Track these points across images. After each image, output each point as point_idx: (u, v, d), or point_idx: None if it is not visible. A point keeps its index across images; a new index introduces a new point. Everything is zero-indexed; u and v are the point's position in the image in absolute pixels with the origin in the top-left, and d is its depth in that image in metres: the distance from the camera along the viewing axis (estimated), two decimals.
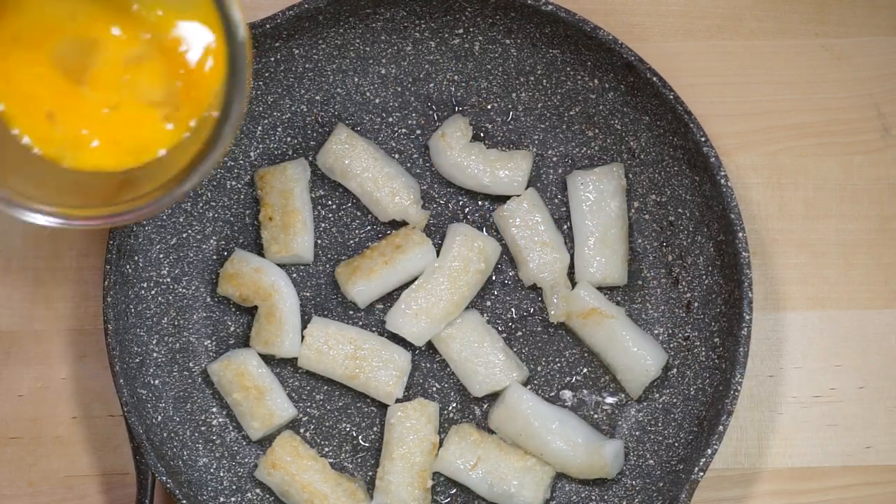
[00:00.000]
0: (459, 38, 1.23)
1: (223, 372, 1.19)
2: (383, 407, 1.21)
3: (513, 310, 1.23)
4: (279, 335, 1.19)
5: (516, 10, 1.18)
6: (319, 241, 1.23)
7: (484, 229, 1.23)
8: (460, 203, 1.24)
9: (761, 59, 1.27)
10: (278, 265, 1.21)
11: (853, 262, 1.25)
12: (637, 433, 1.21)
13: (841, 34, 1.27)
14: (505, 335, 1.22)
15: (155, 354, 1.20)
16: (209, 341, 1.22)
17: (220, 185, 1.23)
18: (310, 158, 1.24)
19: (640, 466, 1.20)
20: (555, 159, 1.24)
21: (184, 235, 1.22)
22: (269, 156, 1.24)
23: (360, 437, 1.22)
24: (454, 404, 1.22)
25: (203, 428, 1.21)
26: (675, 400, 1.20)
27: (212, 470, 1.20)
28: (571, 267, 1.22)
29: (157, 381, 1.19)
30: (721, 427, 1.13)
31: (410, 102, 1.25)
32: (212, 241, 1.23)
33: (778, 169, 1.26)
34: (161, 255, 1.21)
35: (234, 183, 1.23)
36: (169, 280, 1.21)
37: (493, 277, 1.23)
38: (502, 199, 1.22)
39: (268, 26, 1.16)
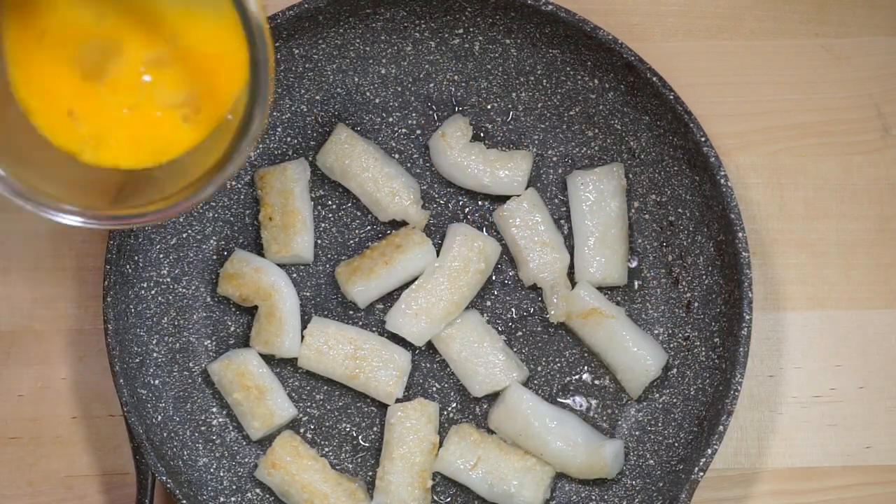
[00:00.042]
0: (459, 38, 1.23)
1: (223, 372, 1.19)
2: (383, 407, 1.21)
3: (513, 310, 1.23)
4: (279, 335, 1.19)
5: (516, 10, 1.18)
6: (319, 241, 1.23)
7: (484, 229, 1.23)
8: (460, 203, 1.24)
9: (761, 59, 1.27)
10: (278, 265, 1.21)
11: (853, 262, 1.25)
12: (637, 433, 1.21)
13: (841, 34, 1.27)
14: (505, 335, 1.22)
15: (155, 354, 1.20)
16: (209, 341, 1.22)
17: None
18: (310, 158, 1.24)
19: (640, 466, 1.20)
20: (555, 159, 1.24)
21: (184, 235, 1.22)
22: (269, 156, 1.24)
23: (360, 437, 1.22)
24: (454, 404, 1.22)
25: (203, 428, 1.21)
26: (675, 400, 1.20)
27: (212, 470, 1.20)
28: (571, 267, 1.22)
29: (157, 381, 1.19)
30: (721, 427, 1.13)
31: (410, 102, 1.25)
32: (212, 241, 1.23)
33: (778, 169, 1.26)
34: (161, 255, 1.21)
35: (234, 183, 1.23)
36: (169, 280, 1.21)
37: (493, 277, 1.23)
38: (502, 199, 1.22)
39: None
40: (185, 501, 1.14)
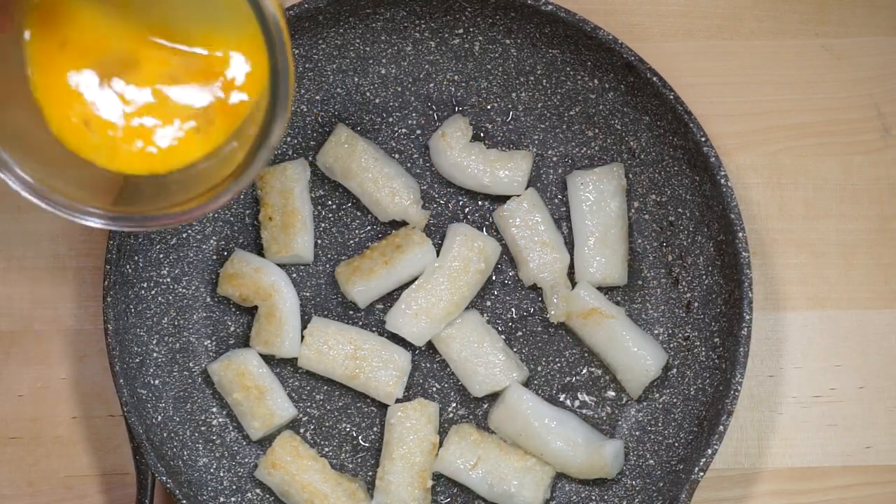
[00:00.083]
0: (459, 38, 1.23)
1: (223, 372, 1.19)
2: (383, 407, 1.21)
3: (513, 310, 1.23)
4: (279, 335, 1.19)
5: (516, 10, 1.18)
6: (319, 241, 1.23)
7: (484, 229, 1.23)
8: (460, 203, 1.24)
9: (761, 59, 1.27)
10: (278, 265, 1.21)
11: (853, 262, 1.25)
12: (637, 433, 1.21)
13: (841, 34, 1.27)
14: (505, 335, 1.22)
15: (155, 354, 1.20)
16: (209, 341, 1.22)
17: None
18: (310, 158, 1.24)
19: (640, 466, 1.20)
20: (555, 159, 1.24)
21: (184, 235, 1.22)
22: None
23: (360, 437, 1.22)
24: (454, 404, 1.22)
25: (203, 428, 1.21)
26: (675, 400, 1.20)
27: (212, 470, 1.20)
28: (571, 267, 1.22)
29: (157, 381, 1.19)
30: (721, 427, 1.13)
31: (410, 102, 1.25)
32: (212, 241, 1.23)
33: (778, 169, 1.26)
34: (161, 255, 1.21)
35: None
36: (169, 280, 1.21)
37: (493, 277, 1.23)
38: (502, 199, 1.22)
39: None
40: (185, 501, 1.14)
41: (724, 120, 1.26)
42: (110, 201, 0.94)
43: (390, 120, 1.24)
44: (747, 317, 1.14)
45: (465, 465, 1.18)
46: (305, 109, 1.24)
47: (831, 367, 1.24)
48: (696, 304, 1.20)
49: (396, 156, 1.24)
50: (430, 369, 1.22)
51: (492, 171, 1.21)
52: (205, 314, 1.23)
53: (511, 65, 1.23)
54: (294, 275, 1.23)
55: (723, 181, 1.15)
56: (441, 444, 1.19)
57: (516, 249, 1.22)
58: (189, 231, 1.22)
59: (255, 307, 1.21)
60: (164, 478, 1.14)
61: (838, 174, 1.26)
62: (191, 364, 1.22)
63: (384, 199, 1.21)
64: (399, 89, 1.25)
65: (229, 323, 1.23)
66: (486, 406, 1.22)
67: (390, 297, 1.22)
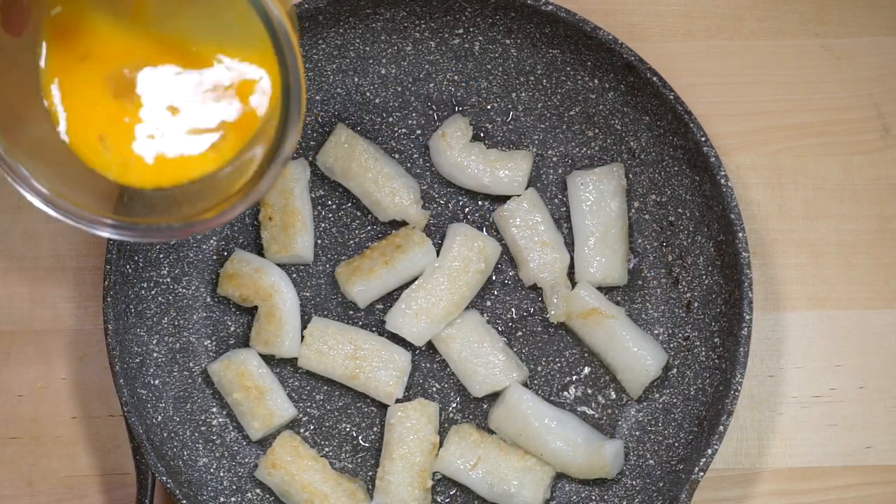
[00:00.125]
0: (459, 38, 1.23)
1: (223, 372, 1.19)
2: (383, 407, 1.21)
3: (513, 310, 1.23)
4: (279, 335, 1.19)
5: (516, 10, 1.18)
6: (319, 241, 1.23)
7: (484, 229, 1.23)
8: (460, 203, 1.24)
9: (761, 59, 1.27)
10: (278, 265, 1.21)
11: (853, 262, 1.25)
12: (637, 433, 1.21)
13: (841, 34, 1.27)
14: (505, 335, 1.22)
15: (155, 354, 1.20)
16: (209, 341, 1.22)
17: None
18: (310, 158, 1.24)
19: (640, 466, 1.20)
20: (555, 159, 1.24)
21: None
22: None
23: (360, 437, 1.22)
24: (454, 404, 1.22)
25: (203, 428, 1.21)
26: (675, 400, 1.20)
27: (212, 470, 1.20)
28: (571, 267, 1.22)
29: (157, 381, 1.19)
30: (721, 427, 1.13)
31: (410, 102, 1.25)
32: (212, 241, 1.23)
33: (778, 169, 1.26)
34: (161, 255, 1.21)
35: None
36: (169, 280, 1.21)
37: (493, 277, 1.23)
38: (502, 199, 1.22)
39: None
40: (185, 501, 1.14)
41: (724, 120, 1.26)
42: (111, 206, 0.94)
43: (390, 120, 1.24)
44: (747, 317, 1.14)
45: (465, 465, 1.18)
46: (305, 109, 1.24)
47: (831, 367, 1.24)
48: (696, 304, 1.20)
49: (396, 156, 1.24)
50: (430, 369, 1.22)
51: (492, 171, 1.21)
52: (205, 314, 1.23)
53: (511, 65, 1.23)
54: (294, 275, 1.23)
55: (723, 181, 1.15)
56: (441, 444, 1.19)
57: (516, 249, 1.22)
58: None
59: (255, 307, 1.21)
60: (164, 478, 1.14)
61: (838, 174, 1.26)
62: (191, 364, 1.22)
63: (384, 199, 1.21)
64: (399, 89, 1.25)
65: (229, 323, 1.23)
66: (486, 406, 1.22)
67: (390, 297, 1.22)
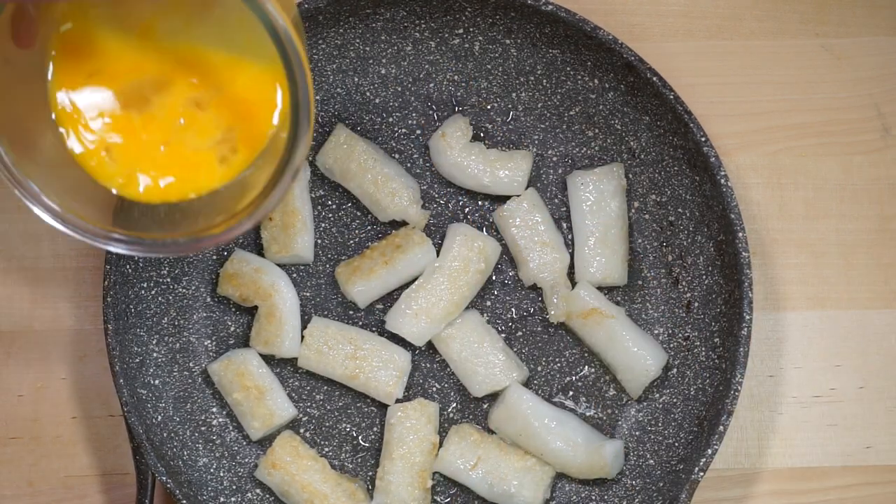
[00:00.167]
0: (459, 38, 1.23)
1: (223, 372, 1.19)
2: (383, 407, 1.21)
3: (513, 310, 1.23)
4: (279, 335, 1.19)
5: (516, 10, 1.18)
6: (319, 241, 1.23)
7: (484, 229, 1.23)
8: (460, 203, 1.24)
9: (761, 59, 1.27)
10: (278, 265, 1.21)
11: (853, 262, 1.25)
12: (637, 433, 1.21)
13: (841, 34, 1.27)
14: (505, 335, 1.22)
15: (155, 354, 1.20)
16: (209, 341, 1.22)
17: None
18: (310, 158, 1.24)
19: (640, 466, 1.20)
20: (555, 159, 1.24)
21: None
22: None
23: (360, 437, 1.22)
24: (454, 404, 1.22)
25: (203, 428, 1.21)
26: (675, 400, 1.20)
27: (212, 470, 1.20)
28: (571, 267, 1.22)
29: (157, 381, 1.19)
30: (721, 427, 1.13)
31: (410, 102, 1.25)
32: None
33: (778, 169, 1.26)
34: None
35: None
36: (169, 280, 1.21)
37: (493, 277, 1.23)
38: (502, 199, 1.22)
39: None
40: (185, 501, 1.14)
41: (724, 120, 1.26)
42: (110, 216, 0.94)
43: (390, 120, 1.24)
44: (747, 317, 1.14)
45: (465, 465, 1.18)
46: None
47: (831, 367, 1.24)
48: (696, 304, 1.20)
49: (396, 156, 1.24)
50: (430, 369, 1.22)
51: (492, 171, 1.21)
52: (205, 314, 1.23)
53: (511, 65, 1.23)
54: (294, 275, 1.23)
55: (723, 181, 1.15)
56: (441, 444, 1.19)
57: (516, 249, 1.22)
58: None
59: (255, 307, 1.21)
60: (164, 478, 1.14)
61: (838, 174, 1.26)
62: (191, 364, 1.22)
63: (384, 199, 1.21)
64: (399, 89, 1.25)
65: (229, 323, 1.23)
66: (486, 406, 1.22)
67: (390, 297, 1.22)
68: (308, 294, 1.23)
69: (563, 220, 1.23)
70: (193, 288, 1.22)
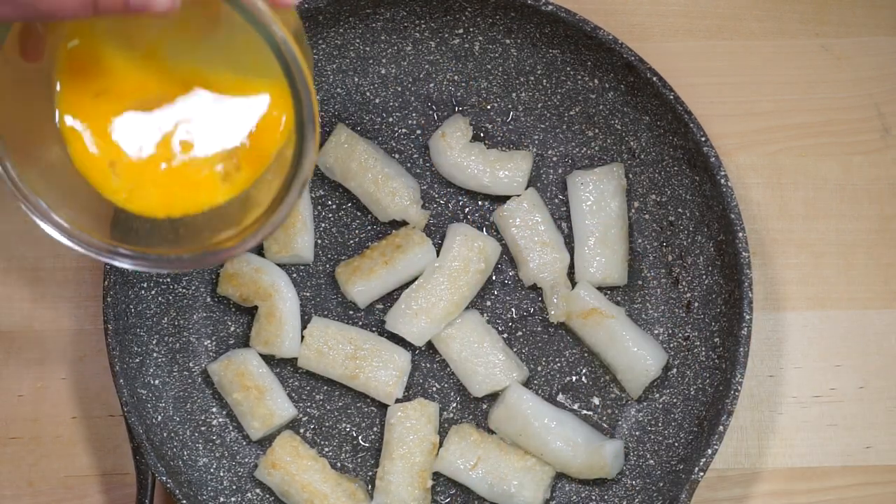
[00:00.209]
0: (459, 38, 1.23)
1: (223, 372, 1.19)
2: (383, 407, 1.21)
3: (513, 310, 1.23)
4: (279, 335, 1.19)
5: (516, 10, 1.18)
6: (319, 241, 1.23)
7: (484, 229, 1.23)
8: (460, 203, 1.24)
9: (761, 59, 1.27)
10: (278, 265, 1.21)
11: (853, 262, 1.25)
12: (637, 433, 1.21)
13: (841, 34, 1.27)
14: (505, 335, 1.22)
15: (155, 354, 1.20)
16: (209, 341, 1.22)
17: None
18: None
19: (640, 466, 1.20)
20: (555, 159, 1.24)
21: None
22: None
23: (360, 437, 1.22)
24: (454, 404, 1.22)
25: (203, 428, 1.21)
26: (675, 400, 1.20)
27: (212, 470, 1.20)
28: (571, 267, 1.22)
29: (157, 381, 1.19)
30: (721, 427, 1.13)
31: (410, 102, 1.25)
32: None
33: (778, 169, 1.26)
34: None
35: None
36: (169, 280, 1.21)
37: (493, 277, 1.23)
38: (502, 199, 1.22)
39: None
40: (185, 501, 1.14)
41: (724, 120, 1.26)
42: (108, 227, 0.94)
43: (390, 120, 1.24)
44: (747, 317, 1.14)
45: (465, 465, 1.18)
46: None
47: (831, 367, 1.24)
48: (696, 304, 1.20)
49: (396, 156, 1.24)
50: (430, 369, 1.22)
51: (492, 171, 1.21)
52: (205, 314, 1.23)
53: (511, 65, 1.23)
54: (294, 275, 1.23)
55: (723, 181, 1.15)
56: (441, 444, 1.19)
57: (516, 249, 1.22)
58: None
59: (255, 307, 1.21)
60: (164, 478, 1.14)
61: (838, 174, 1.26)
62: (191, 364, 1.22)
63: (384, 199, 1.21)
64: (399, 89, 1.25)
65: (229, 323, 1.23)
66: (486, 406, 1.22)
67: (390, 297, 1.22)
68: (308, 294, 1.23)
69: (563, 220, 1.23)
70: (193, 288, 1.22)
